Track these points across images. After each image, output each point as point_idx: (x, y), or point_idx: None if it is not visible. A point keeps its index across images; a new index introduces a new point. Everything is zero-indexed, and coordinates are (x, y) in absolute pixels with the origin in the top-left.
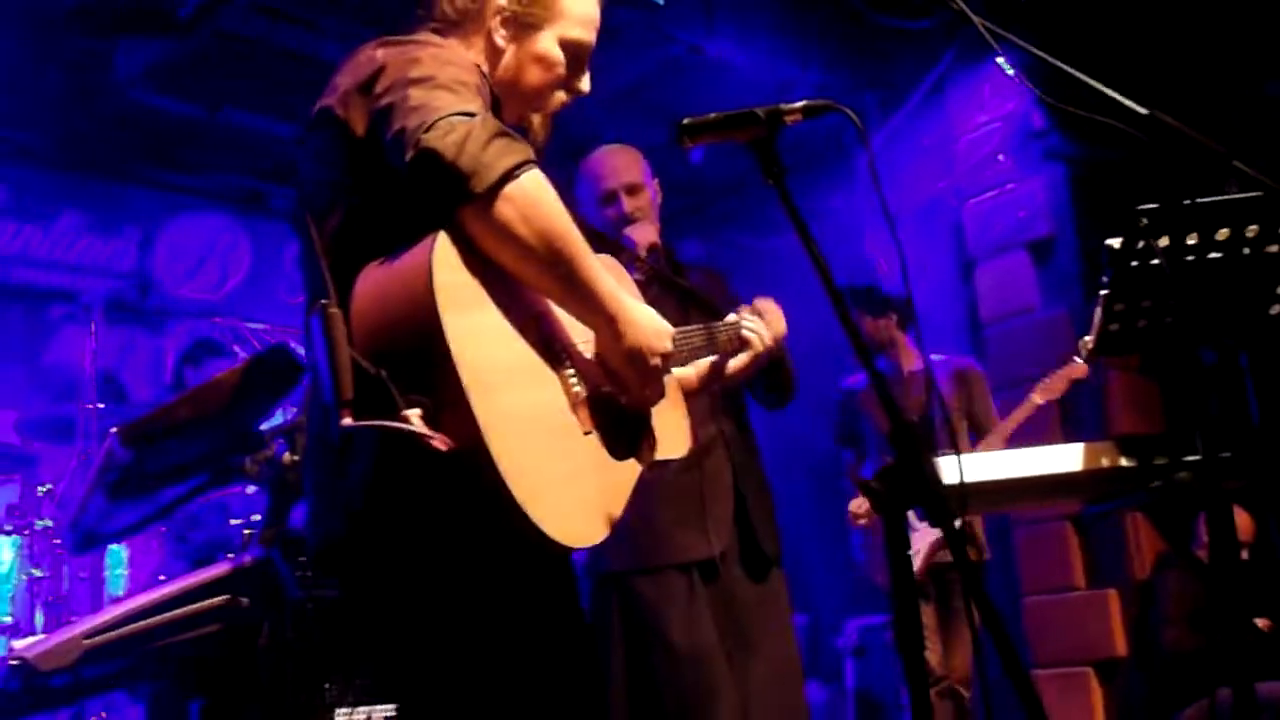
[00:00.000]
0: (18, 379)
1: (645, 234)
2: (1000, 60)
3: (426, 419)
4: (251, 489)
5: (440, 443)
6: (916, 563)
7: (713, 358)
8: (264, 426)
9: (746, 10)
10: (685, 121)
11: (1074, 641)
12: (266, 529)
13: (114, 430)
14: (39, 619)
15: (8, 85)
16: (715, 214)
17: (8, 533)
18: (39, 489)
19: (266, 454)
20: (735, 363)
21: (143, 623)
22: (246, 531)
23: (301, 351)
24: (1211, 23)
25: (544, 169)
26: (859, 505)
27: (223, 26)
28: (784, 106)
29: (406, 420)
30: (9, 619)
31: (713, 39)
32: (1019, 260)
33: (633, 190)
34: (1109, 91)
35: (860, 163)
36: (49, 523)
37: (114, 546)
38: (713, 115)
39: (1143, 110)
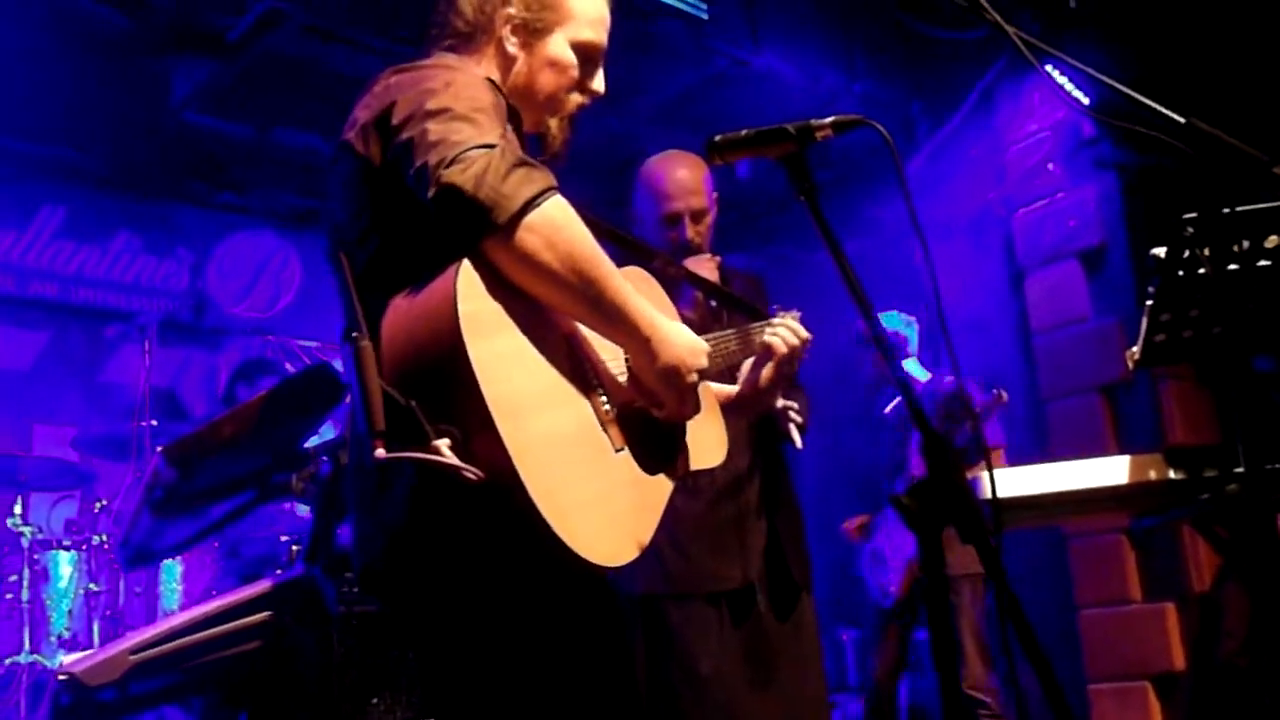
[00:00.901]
0: (76, 397)
1: (706, 269)
2: (1050, 69)
3: (456, 448)
4: (302, 508)
5: (471, 474)
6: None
7: (749, 364)
8: (309, 444)
9: (791, 23)
10: (716, 139)
11: (1131, 655)
12: (311, 546)
13: (159, 449)
14: (96, 633)
15: (65, 108)
16: (763, 228)
17: (66, 548)
18: (96, 505)
19: (311, 471)
20: (766, 371)
21: (187, 639)
22: (294, 548)
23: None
24: (1270, 28)
25: (584, 182)
26: (850, 523)
27: (271, 48)
28: (814, 122)
29: (437, 451)
30: (67, 633)
31: (758, 52)
32: (1070, 270)
33: (698, 216)
34: (1145, 100)
35: (908, 171)
36: (105, 538)
37: (168, 562)
38: (744, 132)
39: (1180, 119)
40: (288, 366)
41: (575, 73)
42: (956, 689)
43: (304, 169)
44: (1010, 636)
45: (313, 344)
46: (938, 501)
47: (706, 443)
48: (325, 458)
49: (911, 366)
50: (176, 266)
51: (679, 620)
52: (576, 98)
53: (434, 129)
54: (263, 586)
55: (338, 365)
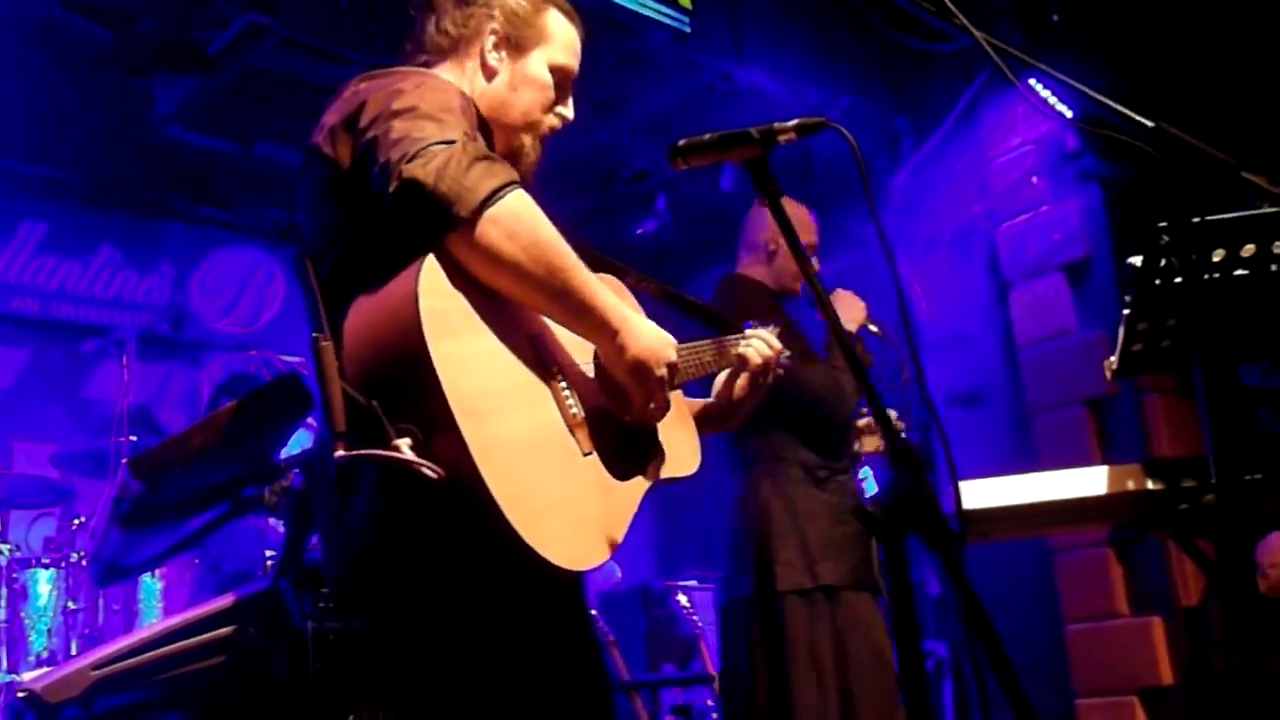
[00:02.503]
0: (58, 413)
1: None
2: (1033, 82)
3: (417, 448)
4: (276, 521)
5: (431, 471)
6: None
7: (723, 376)
8: (281, 456)
9: (775, 37)
10: (680, 143)
11: (1118, 670)
12: (282, 559)
13: (124, 461)
14: (75, 651)
15: (46, 123)
16: None
17: (45, 566)
18: (75, 522)
19: (284, 484)
20: (740, 383)
21: (151, 654)
22: (269, 563)
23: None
24: (1249, 38)
25: (568, 196)
26: None
27: (254, 62)
28: (777, 126)
29: (397, 450)
30: (46, 652)
31: (742, 66)
32: (1055, 283)
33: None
34: (1115, 105)
35: (892, 186)
36: (83, 555)
37: (148, 579)
38: (707, 136)
39: (1149, 123)
40: None
41: (551, 94)
42: (925, 702)
43: (288, 184)
44: (978, 647)
45: (296, 359)
46: (903, 511)
47: (680, 452)
48: (298, 470)
49: None
50: (158, 281)
51: (801, 613)
52: (550, 119)
53: (398, 126)
54: (229, 600)
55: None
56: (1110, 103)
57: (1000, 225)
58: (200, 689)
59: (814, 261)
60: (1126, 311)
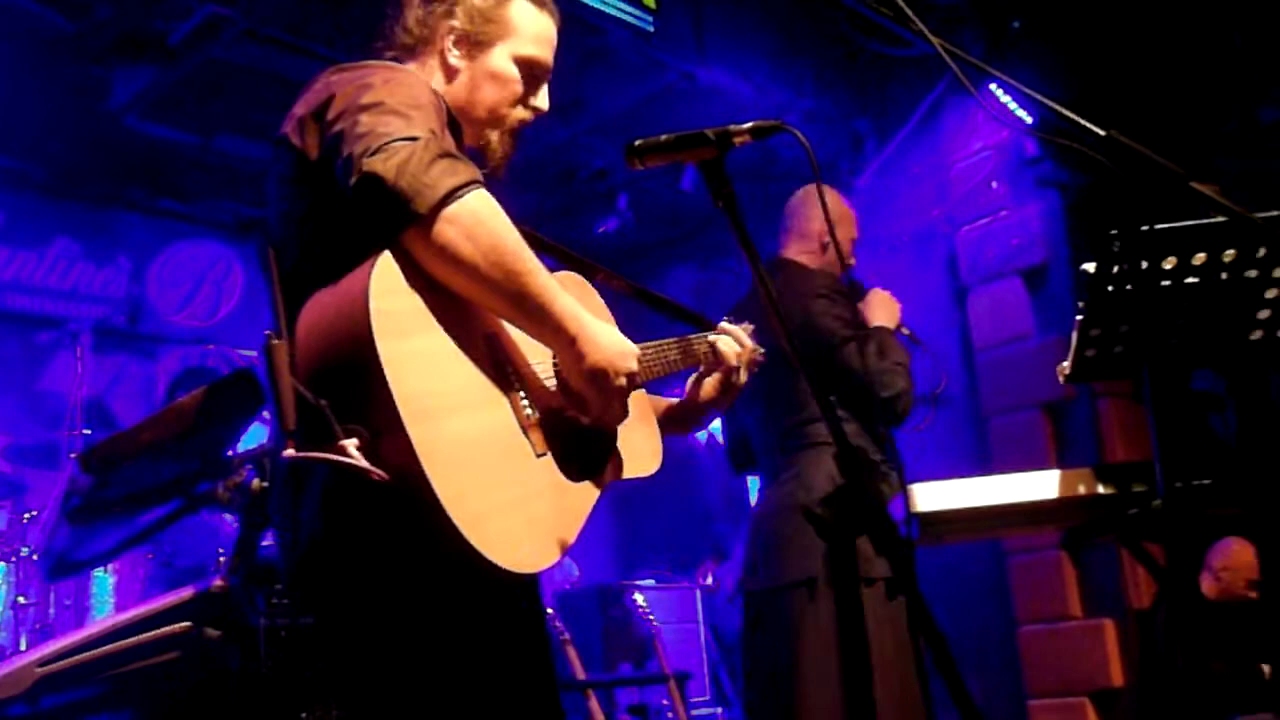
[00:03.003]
0: (13, 405)
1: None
2: (995, 88)
3: (365, 448)
4: (228, 517)
5: (375, 474)
6: None
7: (695, 376)
8: (234, 452)
9: (739, 37)
10: (636, 143)
11: (1070, 672)
12: (234, 556)
13: (72, 455)
14: (24, 646)
15: (3, 112)
16: (710, 242)
17: None
18: (25, 516)
19: (236, 480)
20: (711, 381)
21: (98, 650)
22: (222, 559)
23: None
24: (1208, 48)
25: (531, 194)
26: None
27: (214, 54)
28: (733, 128)
29: (344, 451)
30: None
31: (705, 66)
32: (1013, 287)
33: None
34: (1069, 114)
35: (855, 188)
36: (32, 549)
37: (100, 574)
38: (663, 136)
39: (1101, 132)
40: None
41: (518, 87)
42: (869, 698)
43: (249, 178)
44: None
45: (254, 353)
46: (851, 512)
47: (640, 452)
48: (251, 466)
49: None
50: (115, 273)
51: (872, 601)
52: (519, 113)
53: (365, 120)
54: (179, 596)
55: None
56: (1064, 110)
57: (960, 229)
58: (150, 686)
59: (852, 258)
60: (1080, 317)
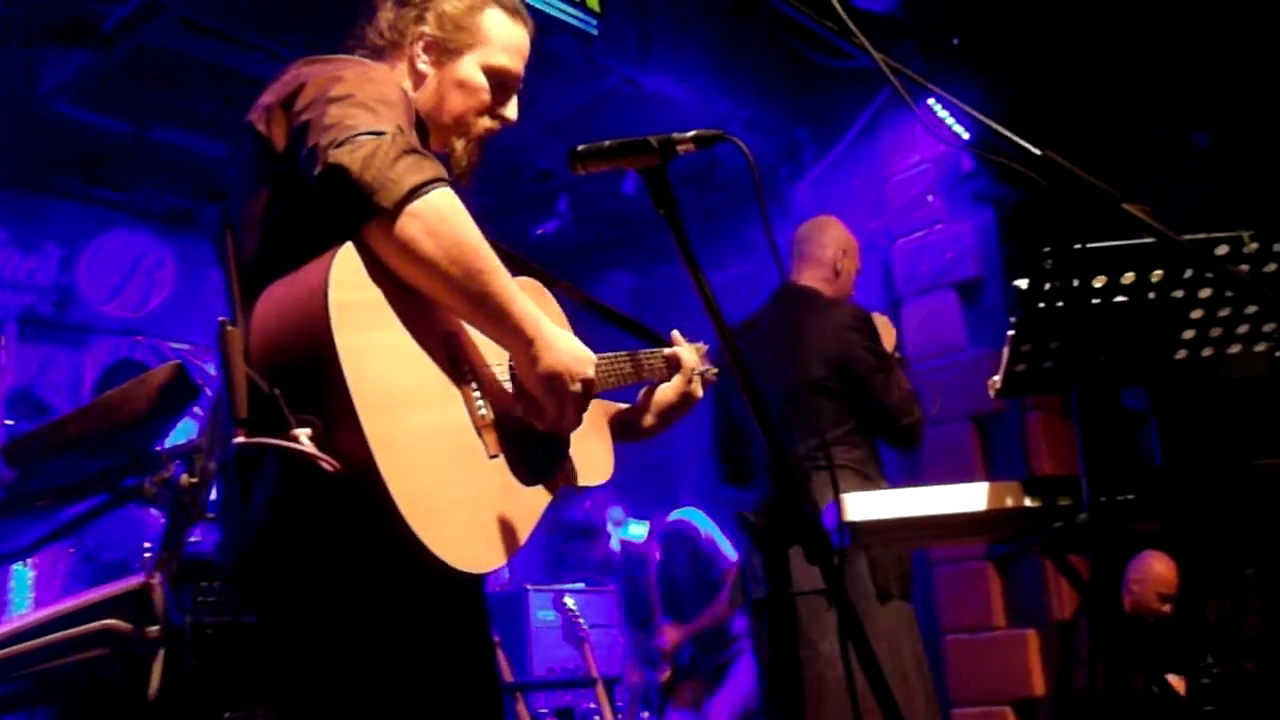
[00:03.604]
0: None
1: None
2: (933, 103)
3: (318, 439)
4: (155, 512)
5: (327, 464)
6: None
7: (648, 386)
8: (163, 447)
9: (682, 44)
10: (579, 149)
11: (993, 681)
12: (161, 552)
13: None
14: None
15: None
16: (648, 246)
17: None
18: None
19: (164, 476)
20: (668, 390)
21: (17, 646)
22: (148, 555)
23: (210, 371)
24: (1141, 72)
25: (471, 194)
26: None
27: (149, 41)
28: (676, 136)
29: (296, 440)
30: None
31: (648, 72)
32: (946, 300)
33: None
34: (1005, 132)
35: (792, 197)
36: None
37: (19, 568)
38: (606, 142)
39: (1036, 151)
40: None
41: (486, 96)
42: (800, 709)
43: (185, 168)
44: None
45: (185, 346)
46: (784, 521)
47: (592, 460)
48: (179, 461)
49: (633, 529)
50: (43, 261)
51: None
52: (486, 122)
53: (333, 112)
54: (104, 592)
55: (210, 368)
56: (999, 128)
57: (896, 241)
58: (72, 684)
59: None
60: (1011, 333)
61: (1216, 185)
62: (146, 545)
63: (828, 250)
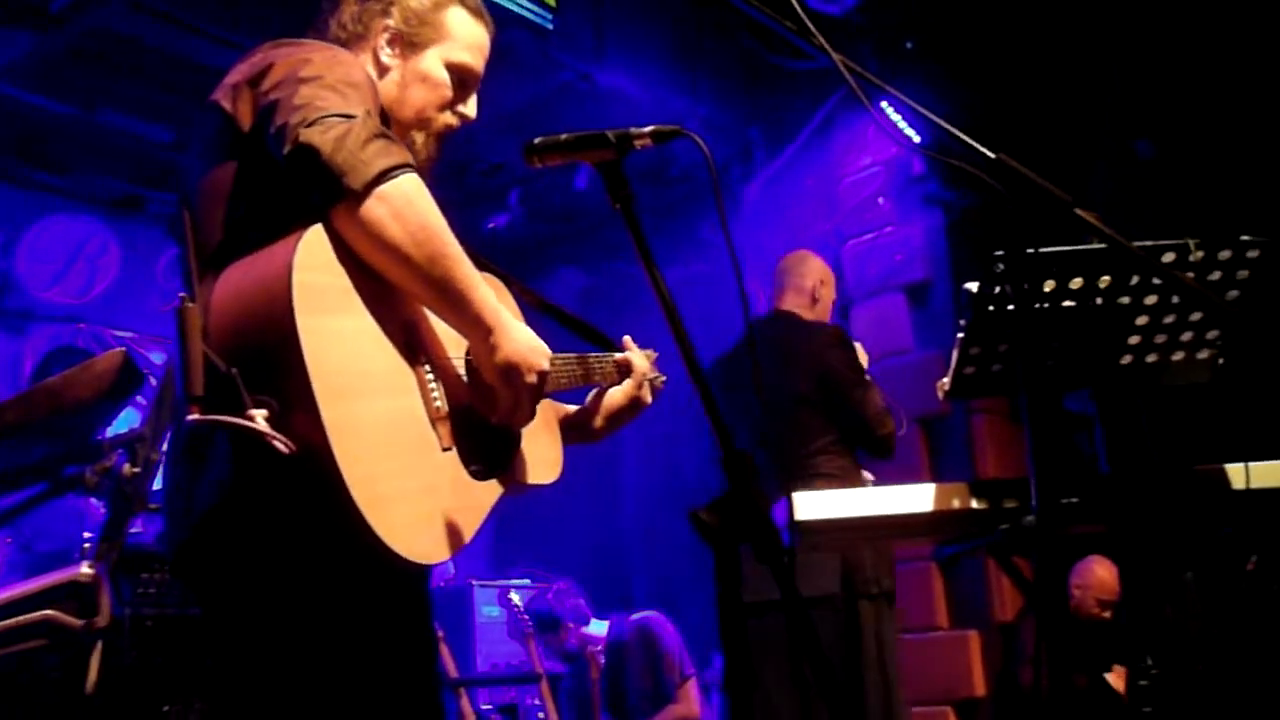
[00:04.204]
0: None
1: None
2: (885, 105)
3: (273, 420)
4: (95, 501)
5: (282, 444)
6: None
7: (598, 389)
8: (105, 436)
9: (638, 41)
10: (535, 141)
11: (935, 681)
12: (101, 543)
13: None
14: None
15: None
16: (599, 243)
17: None
18: None
19: (106, 465)
20: (617, 394)
21: None
22: (87, 545)
23: (154, 360)
24: (1090, 81)
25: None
26: None
27: (97, 24)
28: (633, 131)
29: (251, 419)
30: None
31: (603, 67)
32: (895, 302)
33: None
34: (963, 136)
35: (745, 196)
36: None
37: None
38: (563, 135)
39: (991, 154)
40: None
41: (447, 92)
42: (749, 711)
43: (131, 153)
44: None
45: (128, 334)
46: (735, 520)
47: (541, 459)
48: (122, 450)
49: (594, 626)
50: None
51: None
52: (446, 117)
53: (304, 92)
54: (42, 583)
55: (155, 356)
56: (955, 131)
57: (846, 242)
58: (7, 675)
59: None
60: (961, 335)
61: (1161, 193)
62: (86, 535)
63: (808, 280)
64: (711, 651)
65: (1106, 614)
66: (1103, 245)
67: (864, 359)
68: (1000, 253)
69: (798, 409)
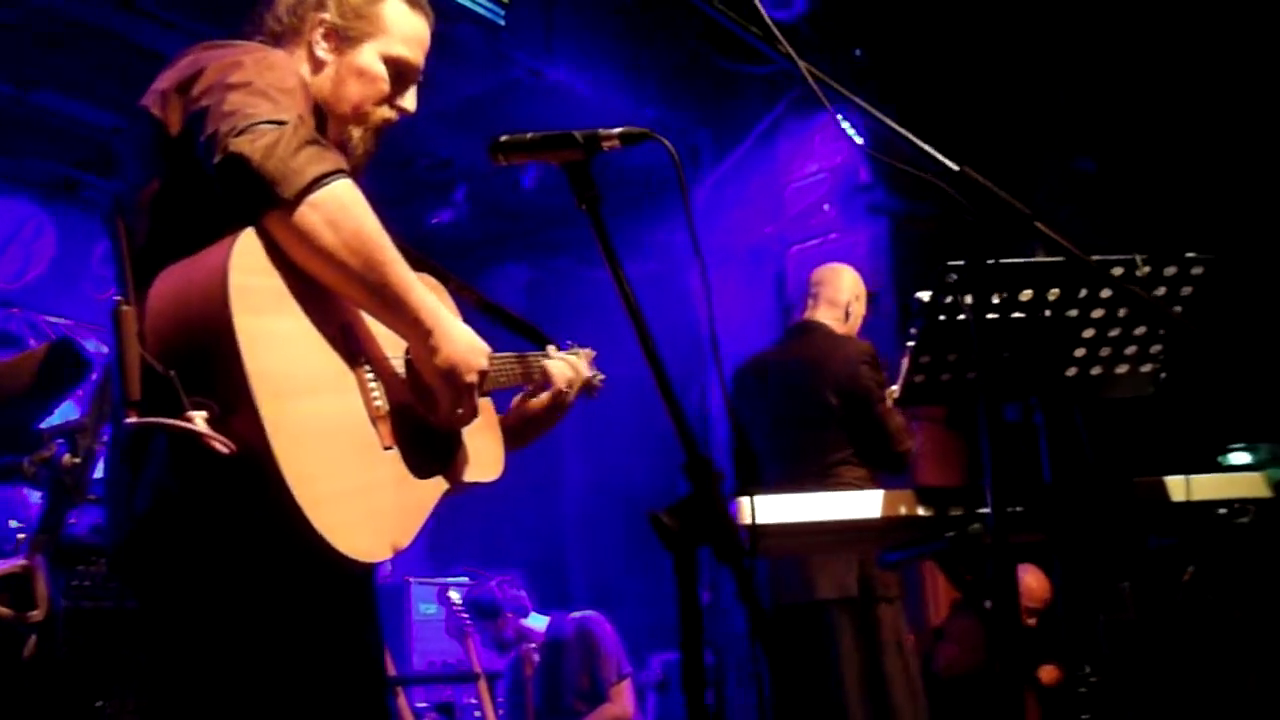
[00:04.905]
0: None
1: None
2: (840, 118)
3: (213, 422)
4: (34, 494)
5: (221, 445)
6: None
7: (521, 394)
8: (44, 426)
9: (588, 39)
10: (502, 139)
11: None
12: (38, 534)
13: None
14: None
15: None
16: (545, 240)
17: None
18: None
19: (45, 455)
20: (536, 400)
21: None
22: (20, 536)
23: (89, 347)
24: (1034, 98)
25: (367, 179)
26: None
27: (40, 3)
28: (602, 131)
29: (190, 420)
30: None
31: (552, 64)
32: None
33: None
34: (926, 147)
35: (690, 198)
36: None
37: None
38: (529, 134)
39: (955, 166)
40: (32, 343)
41: (384, 86)
42: (704, 713)
43: (69, 136)
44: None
45: (63, 320)
46: (696, 522)
47: (483, 457)
48: (62, 440)
49: (533, 620)
50: None
51: (889, 617)
52: (384, 111)
53: (232, 99)
54: None
55: (89, 344)
56: (919, 142)
57: (790, 248)
58: None
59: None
60: (911, 344)
61: (1102, 209)
62: (13, 524)
63: (843, 295)
64: (647, 652)
65: (1031, 621)
66: (1056, 259)
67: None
68: (959, 263)
69: (823, 419)
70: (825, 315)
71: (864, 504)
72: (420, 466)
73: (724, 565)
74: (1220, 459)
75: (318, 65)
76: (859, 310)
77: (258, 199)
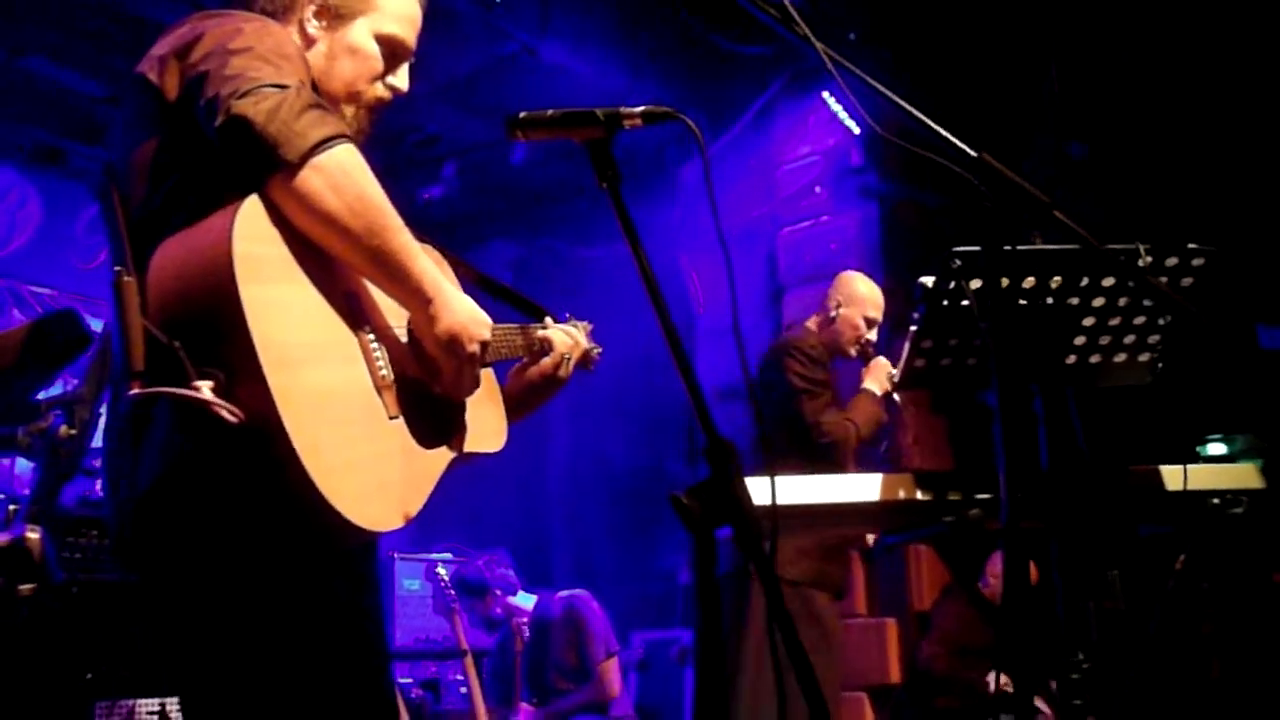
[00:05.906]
0: None
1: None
2: (838, 106)
3: (220, 391)
4: (25, 464)
5: (230, 413)
6: None
7: (517, 365)
8: (41, 397)
9: (583, 17)
10: (521, 115)
11: (853, 667)
12: (34, 506)
13: None
14: None
15: None
16: (533, 218)
17: None
18: None
19: (41, 426)
20: (537, 367)
21: None
22: (12, 507)
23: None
24: (1027, 83)
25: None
26: None
27: None
28: (624, 110)
29: (197, 390)
30: None
31: (547, 41)
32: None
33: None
34: (943, 132)
35: (681, 179)
36: None
37: None
38: (550, 111)
39: (973, 153)
40: (15, 313)
41: (377, 64)
42: (721, 697)
43: (55, 103)
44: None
45: (47, 290)
46: (716, 504)
47: (486, 427)
48: (59, 411)
49: (520, 598)
50: None
51: (830, 610)
52: (377, 90)
53: (234, 63)
54: None
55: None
56: (937, 127)
57: (782, 229)
58: None
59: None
60: (914, 328)
61: (1093, 194)
62: (2, 496)
63: (831, 299)
64: (628, 630)
65: None
66: (1062, 247)
67: (884, 369)
68: (965, 249)
69: (769, 409)
70: (813, 318)
71: (860, 487)
72: (426, 436)
73: (742, 548)
74: (1198, 450)
75: (309, 42)
76: (844, 314)
77: (260, 162)
